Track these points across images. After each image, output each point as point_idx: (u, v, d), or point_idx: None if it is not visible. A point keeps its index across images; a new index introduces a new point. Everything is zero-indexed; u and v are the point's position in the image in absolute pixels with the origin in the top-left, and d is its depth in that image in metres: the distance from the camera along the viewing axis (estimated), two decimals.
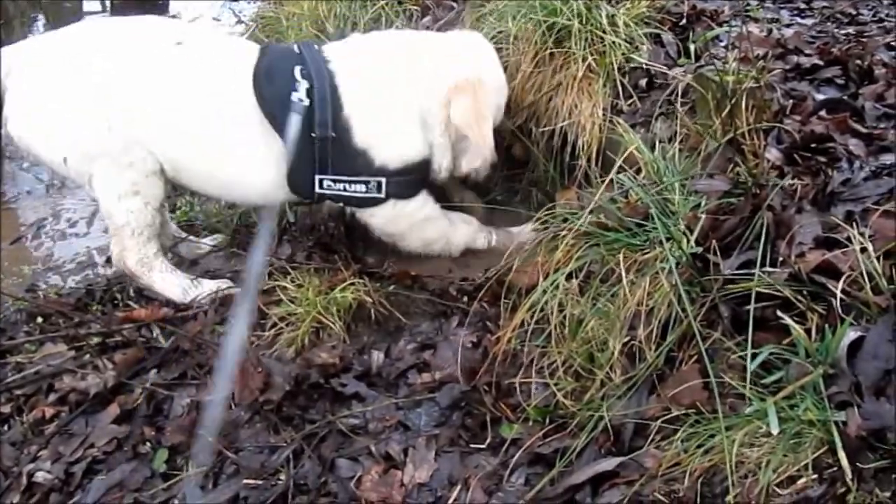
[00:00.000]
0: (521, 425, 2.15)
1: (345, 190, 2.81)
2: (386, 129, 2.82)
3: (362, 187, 2.81)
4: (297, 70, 2.74)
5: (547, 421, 2.12)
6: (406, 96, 2.84)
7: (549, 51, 3.18)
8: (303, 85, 2.71)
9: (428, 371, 2.44)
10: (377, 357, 2.51)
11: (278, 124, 2.71)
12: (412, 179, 2.90)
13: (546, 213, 2.43)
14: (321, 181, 2.79)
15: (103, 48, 2.79)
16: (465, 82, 2.80)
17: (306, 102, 2.69)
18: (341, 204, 2.92)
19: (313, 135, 2.71)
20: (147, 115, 2.74)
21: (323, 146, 2.73)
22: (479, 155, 2.87)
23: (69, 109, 2.73)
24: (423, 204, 2.97)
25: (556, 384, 2.16)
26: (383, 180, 2.81)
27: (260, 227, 2.41)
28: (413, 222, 2.97)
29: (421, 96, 2.84)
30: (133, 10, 3.98)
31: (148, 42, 2.83)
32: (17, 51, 2.83)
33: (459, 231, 3.07)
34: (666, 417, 1.89)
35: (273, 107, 2.72)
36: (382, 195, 2.83)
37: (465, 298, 2.74)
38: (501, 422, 2.20)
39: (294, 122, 2.67)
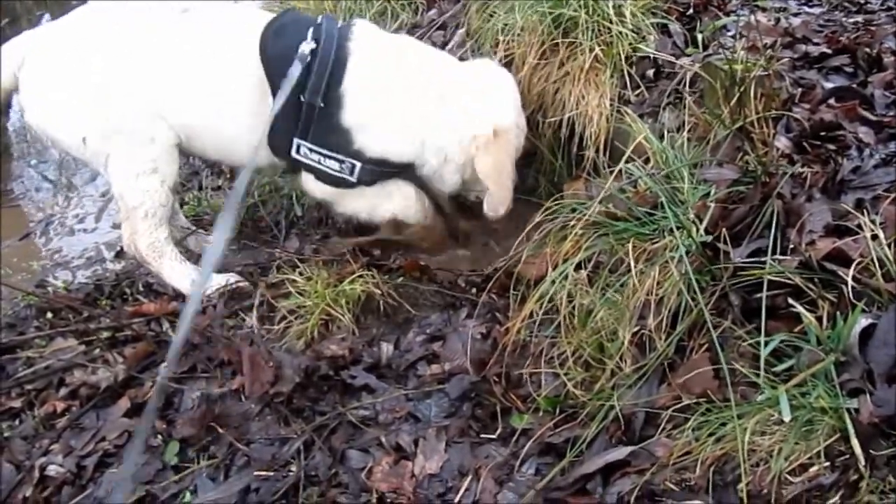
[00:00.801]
0: (531, 415, 2.15)
1: (319, 163, 2.80)
2: (378, 121, 2.80)
3: (336, 165, 2.80)
4: (310, 31, 2.73)
5: (557, 411, 2.12)
6: (417, 119, 2.85)
7: (555, 42, 3.17)
8: (309, 44, 2.70)
9: (437, 362, 2.44)
10: (386, 349, 2.51)
11: (275, 81, 2.69)
12: (385, 172, 2.90)
13: (554, 202, 2.41)
14: (298, 146, 2.78)
15: (112, 25, 2.81)
16: (489, 137, 2.83)
17: (307, 59, 2.68)
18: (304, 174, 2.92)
19: (302, 98, 2.69)
20: (160, 82, 2.76)
21: (309, 112, 2.72)
22: (502, 202, 2.89)
23: (87, 87, 2.75)
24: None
25: (566, 374, 2.16)
26: (358, 165, 2.80)
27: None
28: (347, 193, 2.95)
29: (433, 130, 2.87)
30: None
31: (154, 12, 2.84)
32: (28, 40, 2.85)
33: (389, 203, 3.02)
34: (677, 406, 1.89)
35: (274, 63, 2.71)
36: (353, 178, 2.83)
37: (474, 290, 2.74)
38: (511, 412, 2.20)
39: (294, 72, 2.64)
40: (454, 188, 3.03)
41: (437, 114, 2.86)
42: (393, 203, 3.01)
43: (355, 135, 2.77)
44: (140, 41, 2.77)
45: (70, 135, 2.82)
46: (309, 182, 2.93)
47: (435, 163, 2.92)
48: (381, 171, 2.88)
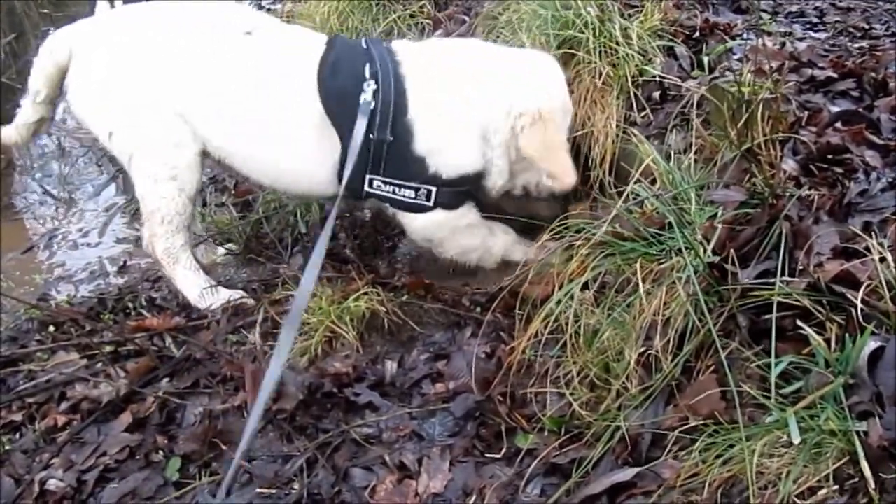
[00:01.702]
0: (536, 435, 2.14)
1: (394, 193, 2.79)
2: (448, 140, 2.80)
3: (411, 193, 2.79)
4: (367, 69, 2.73)
5: (562, 431, 2.11)
6: (472, 112, 2.81)
7: (562, 63, 3.19)
8: (370, 86, 2.70)
9: (441, 381, 2.44)
10: (390, 367, 2.50)
11: (337, 120, 2.71)
12: (462, 191, 2.88)
13: (560, 223, 2.41)
14: (371, 181, 2.76)
15: (170, 28, 2.86)
16: (533, 113, 2.76)
17: (372, 105, 2.68)
18: (387, 205, 2.90)
19: (371, 136, 2.68)
20: (206, 99, 2.79)
21: (378, 147, 2.71)
22: (564, 173, 2.82)
23: (123, 81, 2.79)
24: (466, 212, 2.92)
25: (571, 394, 2.15)
26: (434, 189, 2.79)
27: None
28: (454, 229, 2.92)
29: (486, 115, 2.81)
30: None
31: (216, 27, 2.88)
32: (84, 27, 2.91)
33: (499, 241, 3.01)
34: (683, 428, 1.88)
35: (334, 102, 2.72)
36: (430, 203, 2.81)
37: (479, 309, 2.73)
38: (516, 432, 2.19)
39: (360, 126, 2.64)
40: (504, 179, 2.92)
41: (489, 104, 2.82)
42: (499, 240, 3.01)
43: (430, 160, 2.77)
44: (193, 52, 2.81)
45: (100, 126, 2.88)
46: (413, 223, 2.92)
47: (496, 156, 2.86)
48: (458, 190, 2.86)
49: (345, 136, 2.70)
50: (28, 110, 3.04)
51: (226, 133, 2.84)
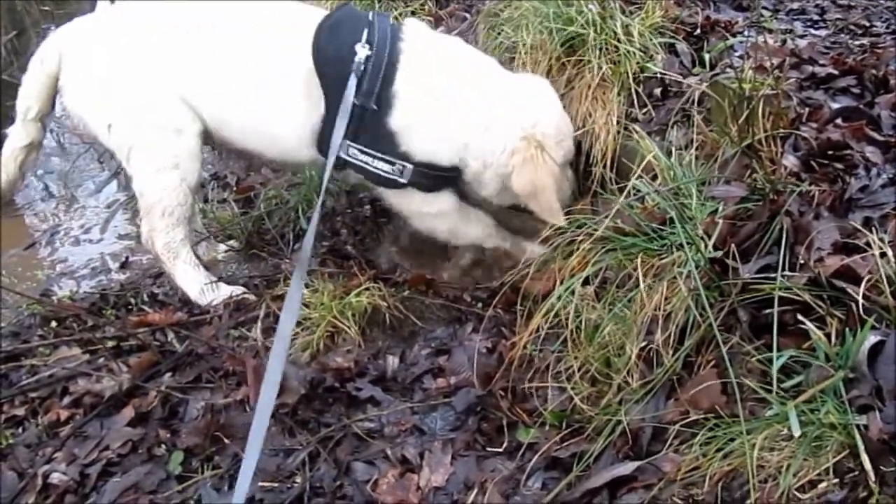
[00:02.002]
0: (537, 430, 2.15)
1: (368, 164, 2.76)
2: (421, 123, 2.77)
3: (387, 167, 2.76)
4: (364, 34, 2.72)
5: (563, 425, 2.11)
6: (459, 119, 2.80)
7: (563, 60, 3.20)
8: (364, 49, 2.69)
9: (443, 376, 2.45)
10: (392, 361, 2.51)
11: (327, 81, 2.70)
12: (437, 176, 2.86)
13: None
14: (348, 147, 2.74)
15: (163, 10, 2.87)
16: (528, 149, 2.74)
17: (363, 69, 2.67)
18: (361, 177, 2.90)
19: (355, 102, 2.67)
20: (199, 66, 2.78)
21: (360, 115, 2.69)
22: (549, 215, 2.75)
23: (119, 73, 2.79)
24: (437, 198, 2.91)
25: (572, 388, 2.16)
26: (409, 167, 2.77)
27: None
28: (426, 211, 2.93)
29: (476, 135, 2.80)
30: None
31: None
32: (73, 28, 2.92)
33: (472, 230, 3.00)
34: (684, 421, 1.89)
35: (326, 63, 2.71)
36: (404, 180, 2.78)
37: (480, 304, 2.74)
38: (518, 426, 2.20)
39: (352, 84, 2.64)
40: (495, 194, 2.93)
41: (479, 118, 2.80)
42: (472, 229, 3.00)
43: (402, 137, 2.74)
44: (180, 27, 2.81)
45: (98, 121, 2.87)
46: (391, 196, 2.93)
47: (475, 167, 2.85)
48: (432, 174, 2.83)
49: (330, 97, 2.69)
50: (18, 134, 3.02)
51: (219, 95, 2.82)
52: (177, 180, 2.85)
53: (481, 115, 2.78)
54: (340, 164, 2.81)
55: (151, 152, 2.83)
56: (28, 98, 2.96)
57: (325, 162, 2.78)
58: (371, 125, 2.71)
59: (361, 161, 2.75)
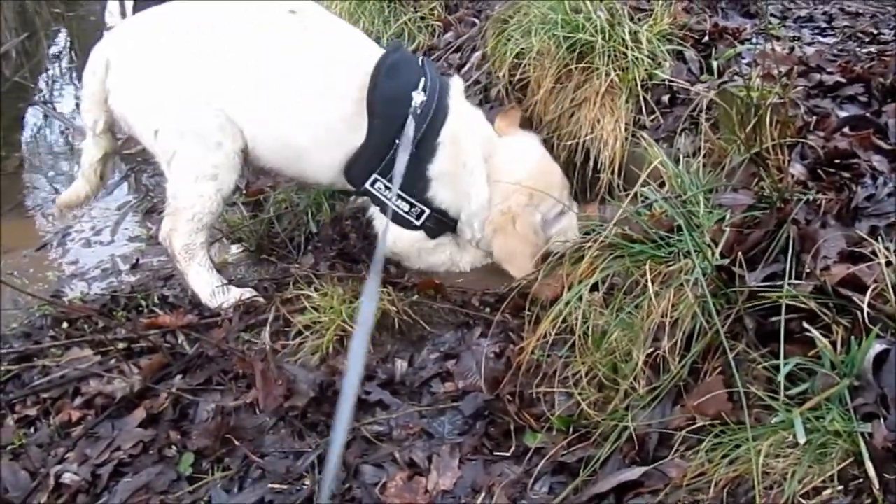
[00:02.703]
0: (544, 434, 2.16)
1: (391, 200, 2.85)
2: (454, 180, 2.95)
3: (406, 206, 2.93)
4: (421, 81, 2.86)
5: (570, 430, 2.13)
6: (482, 174, 2.98)
7: (571, 66, 3.22)
8: (420, 96, 2.83)
9: (451, 380, 2.46)
10: (401, 365, 2.52)
11: (376, 117, 2.81)
12: (448, 224, 3.04)
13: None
14: (375, 180, 2.87)
15: (210, 21, 2.90)
16: (499, 223, 2.94)
17: (419, 112, 2.81)
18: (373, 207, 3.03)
19: (397, 140, 2.76)
20: (243, 80, 2.83)
21: (397, 154, 2.76)
22: (520, 274, 2.90)
23: (172, 81, 2.83)
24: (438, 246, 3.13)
25: (580, 394, 2.17)
26: (427, 211, 2.94)
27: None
28: (422, 249, 3.10)
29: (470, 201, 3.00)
30: None
31: (260, 8, 2.93)
32: (122, 32, 2.98)
33: (467, 255, 3.16)
34: (690, 428, 1.90)
35: (382, 102, 2.81)
36: (418, 223, 2.97)
37: (488, 309, 2.76)
38: (525, 431, 2.21)
39: (410, 128, 2.76)
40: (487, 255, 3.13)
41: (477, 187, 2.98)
42: (467, 255, 3.17)
43: (434, 184, 2.92)
44: (229, 39, 2.86)
45: (145, 126, 2.90)
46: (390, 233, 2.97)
47: (470, 235, 3.06)
48: (443, 220, 3.02)
49: (373, 132, 2.82)
50: (91, 150, 3.10)
51: (259, 109, 2.87)
52: (213, 190, 2.89)
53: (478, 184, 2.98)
54: (361, 192, 2.98)
55: (193, 161, 2.87)
56: (91, 112, 3.00)
57: (343, 186, 3.01)
58: (408, 168, 2.75)
59: (384, 195, 2.89)
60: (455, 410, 2.33)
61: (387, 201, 2.87)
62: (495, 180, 2.96)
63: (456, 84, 3.04)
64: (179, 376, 2.60)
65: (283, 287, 2.99)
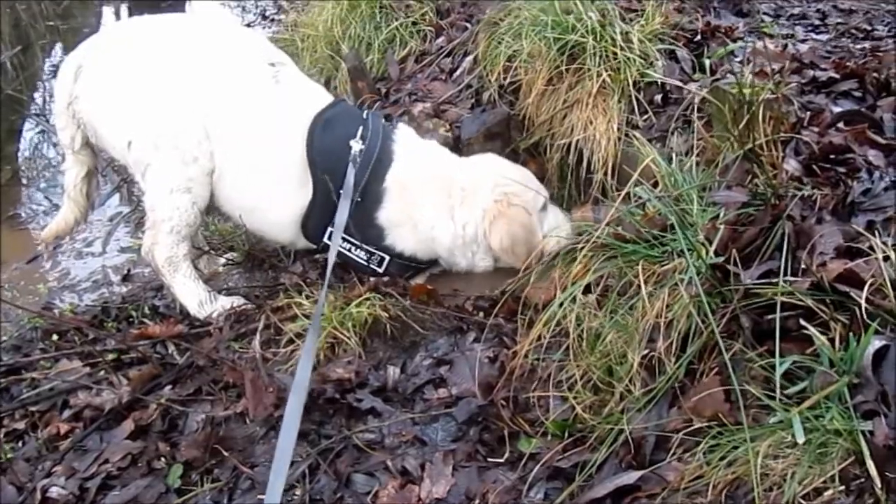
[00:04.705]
0: (539, 439, 2.12)
1: (349, 251, 2.91)
2: (410, 225, 2.94)
3: (364, 255, 2.94)
4: (359, 131, 2.87)
5: (566, 435, 2.09)
6: (444, 213, 2.96)
7: (563, 68, 3.19)
8: (358, 144, 2.84)
9: (444, 386, 2.42)
10: (393, 372, 2.48)
11: (317, 173, 2.82)
12: (414, 266, 3.04)
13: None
14: (331, 233, 2.84)
15: (198, 42, 2.91)
16: (498, 206, 2.90)
17: (357, 160, 2.82)
18: None
19: (341, 191, 2.78)
20: (223, 118, 2.82)
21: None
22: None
23: (151, 93, 2.79)
24: None
25: (574, 398, 2.13)
26: (387, 258, 2.94)
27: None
28: None
29: (462, 226, 2.97)
30: None
31: (243, 49, 2.95)
32: (91, 45, 2.92)
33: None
34: (687, 430, 1.86)
35: (319, 156, 2.83)
36: (381, 270, 2.96)
37: (481, 314, 2.72)
38: (519, 436, 2.17)
39: (351, 175, 2.79)
40: (489, 268, 3.07)
41: (457, 219, 2.96)
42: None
43: (388, 231, 2.92)
44: (220, 69, 2.86)
45: (118, 136, 2.86)
46: None
47: (465, 263, 3.04)
48: (410, 265, 3.01)
49: (317, 190, 2.84)
50: (72, 169, 3.07)
51: (225, 155, 2.86)
52: (188, 202, 2.87)
53: (460, 215, 2.97)
54: (322, 247, 2.97)
55: (167, 173, 2.84)
56: (67, 129, 2.98)
57: (305, 244, 3.03)
58: (356, 215, 2.84)
59: (342, 247, 2.88)
60: (448, 417, 2.29)
61: (347, 252, 2.90)
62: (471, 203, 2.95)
63: (402, 129, 3.06)
64: (169, 387, 2.57)
65: (273, 295, 2.96)
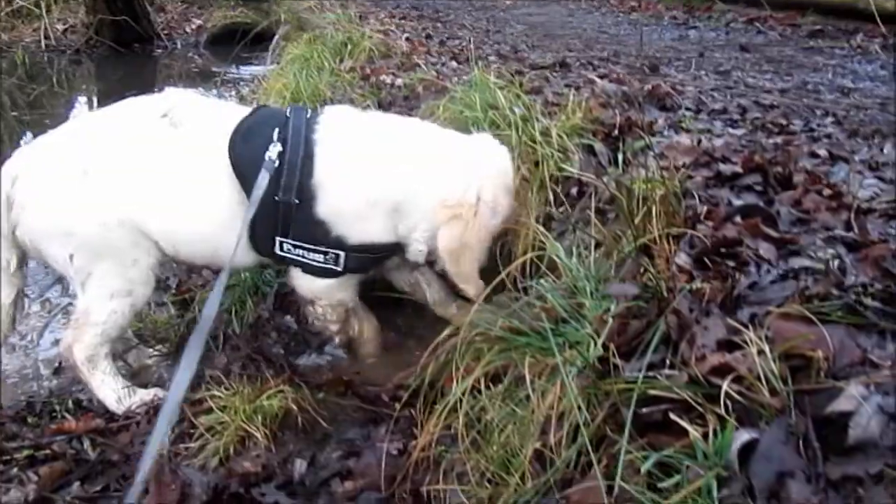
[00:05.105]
0: None
1: (303, 257, 2.85)
2: (351, 208, 2.85)
3: (320, 257, 2.85)
4: (276, 132, 2.80)
5: None
6: (384, 187, 2.87)
7: None
8: (276, 147, 2.77)
9: (351, 479, 2.42)
10: (300, 465, 2.48)
11: (246, 185, 2.76)
12: (374, 257, 2.95)
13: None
14: (281, 244, 2.84)
15: (100, 135, 2.90)
16: (460, 207, 2.81)
17: (276, 164, 2.75)
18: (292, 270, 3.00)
19: (276, 197, 2.75)
20: (144, 194, 2.81)
21: (286, 210, 2.78)
22: (465, 282, 2.89)
23: (79, 203, 2.79)
24: (348, 290, 3.05)
25: (470, 491, 2.13)
26: (342, 254, 2.85)
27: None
28: (329, 302, 3.05)
29: (407, 196, 2.86)
30: None
31: (134, 120, 2.93)
32: (22, 156, 2.92)
33: (356, 325, 3.16)
34: None
35: (244, 166, 2.78)
36: (339, 268, 2.87)
37: (397, 405, 2.72)
38: None
39: (262, 179, 2.69)
40: (420, 258, 2.99)
41: (411, 186, 2.86)
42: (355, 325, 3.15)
43: (332, 225, 2.83)
44: (123, 153, 2.84)
45: (58, 250, 2.86)
46: (297, 279, 3.01)
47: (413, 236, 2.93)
48: (370, 256, 2.93)
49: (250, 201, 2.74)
50: (4, 292, 3.00)
51: (159, 215, 2.86)
52: (127, 305, 2.89)
53: (413, 183, 2.86)
54: (279, 259, 2.92)
55: (109, 279, 2.86)
56: (4, 250, 2.94)
57: (265, 262, 2.99)
58: (299, 218, 2.79)
59: (296, 254, 2.85)
60: None
61: (302, 258, 2.85)
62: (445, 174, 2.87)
63: (327, 116, 2.95)
64: (78, 483, 2.54)
65: (196, 388, 2.94)
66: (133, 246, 2.83)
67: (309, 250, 2.84)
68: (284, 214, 2.79)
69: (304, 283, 2.99)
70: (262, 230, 2.82)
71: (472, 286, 2.85)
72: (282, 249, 2.85)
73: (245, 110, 2.98)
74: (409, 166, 2.88)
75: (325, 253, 2.85)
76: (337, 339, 3.18)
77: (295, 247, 2.84)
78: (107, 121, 2.97)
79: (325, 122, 2.90)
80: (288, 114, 2.90)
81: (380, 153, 2.89)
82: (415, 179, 2.86)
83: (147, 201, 2.83)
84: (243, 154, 2.79)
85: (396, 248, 2.98)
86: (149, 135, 2.87)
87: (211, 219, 2.87)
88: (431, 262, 3.06)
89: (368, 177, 2.85)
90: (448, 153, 2.93)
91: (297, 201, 2.77)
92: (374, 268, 3.05)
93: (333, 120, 2.94)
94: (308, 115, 2.93)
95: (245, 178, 2.77)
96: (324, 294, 3.01)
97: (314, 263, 2.87)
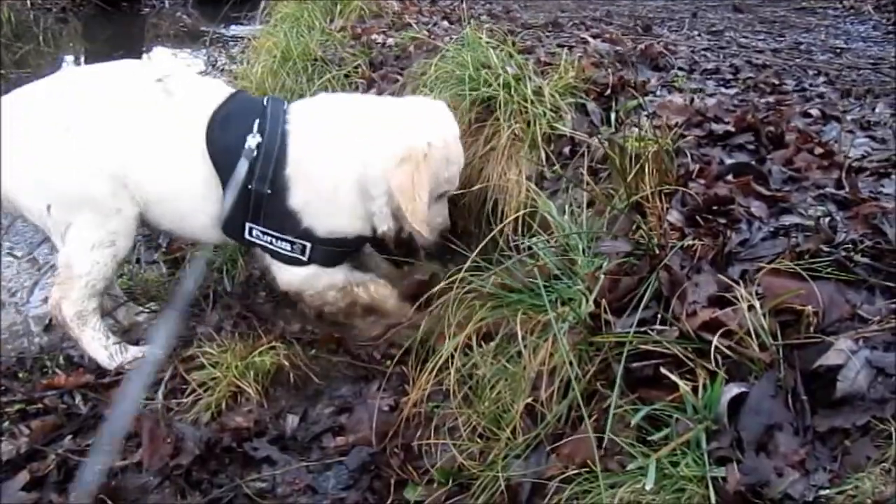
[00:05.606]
0: (424, 487, 2.14)
1: (271, 244, 2.87)
2: (321, 200, 2.85)
3: (287, 246, 2.87)
4: (255, 124, 2.82)
5: (451, 483, 2.10)
6: (349, 168, 2.86)
7: (481, 121, 3.27)
8: (255, 138, 2.79)
9: (343, 434, 2.44)
10: (292, 420, 2.50)
11: (221, 173, 2.79)
12: (339, 251, 2.96)
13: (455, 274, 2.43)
14: (251, 229, 2.85)
15: (87, 93, 2.87)
16: (410, 151, 2.79)
17: (255, 154, 2.77)
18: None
19: (250, 187, 2.77)
20: (129, 152, 2.80)
21: (258, 199, 2.79)
22: (416, 219, 2.82)
23: (59, 156, 2.77)
24: (333, 273, 2.99)
25: (460, 445, 2.16)
26: (308, 245, 2.86)
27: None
28: (317, 287, 3.00)
29: (365, 166, 2.84)
30: None
31: (129, 80, 2.93)
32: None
33: (364, 294, 3.07)
34: (563, 476, 1.89)
35: (220, 155, 2.79)
36: (305, 258, 2.88)
37: (388, 362, 2.74)
38: (407, 484, 2.18)
39: (241, 168, 2.74)
40: (389, 225, 2.96)
41: (366, 158, 2.85)
42: (363, 294, 3.07)
43: (302, 216, 2.84)
44: (112, 111, 2.82)
45: (34, 202, 2.84)
46: (277, 274, 3.01)
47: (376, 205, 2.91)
48: (334, 250, 2.93)
49: (226, 184, 2.78)
50: None
51: (145, 185, 2.85)
52: (109, 256, 2.87)
53: (369, 154, 2.85)
54: (248, 244, 2.95)
55: (90, 230, 2.83)
56: None
57: (233, 243, 3.02)
58: (270, 207, 2.81)
59: (264, 241, 2.88)
60: (341, 465, 2.31)
61: (270, 245, 2.87)
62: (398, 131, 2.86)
63: (297, 106, 2.99)
64: (70, 437, 2.55)
65: (187, 345, 2.95)
66: (112, 196, 2.81)
67: (277, 238, 2.87)
68: (256, 203, 2.81)
69: (284, 277, 3.00)
70: (233, 215, 2.84)
71: (425, 228, 2.85)
72: (251, 235, 2.88)
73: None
74: (362, 140, 2.87)
75: (293, 243, 2.88)
76: (357, 316, 3.11)
77: (263, 233, 2.86)
78: (97, 80, 2.94)
79: (295, 117, 2.92)
80: (265, 103, 2.93)
81: (341, 140, 2.89)
82: (368, 152, 2.86)
83: (129, 158, 2.81)
84: (221, 143, 2.81)
85: (362, 242, 3.04)
86: (143, 98, 2.86)
87: (184, 190, 2.88)
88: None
89: (330, 163, 2.87)
90: (392, 117, 2.94)
91: (269, 192, 2.79)
92: (340, 262, 3.03)
93: (299, 111, 2.96)
94: (284, 106, 2.96)
95: (219, 164, 2.80)
96: (305, 285, 2.99)
97: (281, 251, 2.90)
